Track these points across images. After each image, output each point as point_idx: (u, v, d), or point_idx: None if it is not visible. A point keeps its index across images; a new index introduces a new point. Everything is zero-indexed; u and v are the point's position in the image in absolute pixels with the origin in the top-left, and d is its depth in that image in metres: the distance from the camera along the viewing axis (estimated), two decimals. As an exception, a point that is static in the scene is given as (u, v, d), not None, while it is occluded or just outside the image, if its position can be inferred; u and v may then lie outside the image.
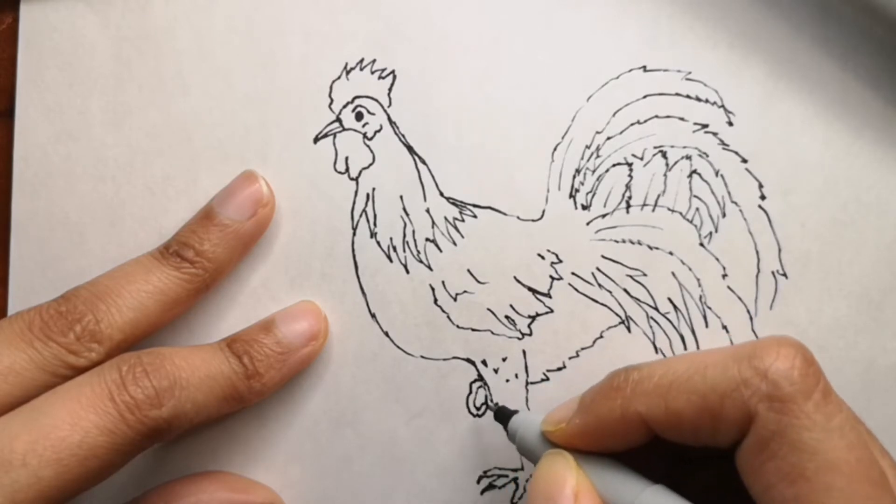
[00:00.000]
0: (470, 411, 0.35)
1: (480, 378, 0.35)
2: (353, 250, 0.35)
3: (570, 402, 0.29)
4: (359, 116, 0.35)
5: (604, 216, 0.34)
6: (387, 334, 0.35)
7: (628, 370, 0.27)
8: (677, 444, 0.27)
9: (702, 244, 0.34)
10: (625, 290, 0.34)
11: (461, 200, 0.35)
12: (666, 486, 0.26)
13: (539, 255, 0.35)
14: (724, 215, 0.34)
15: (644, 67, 0.34)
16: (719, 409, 0.24)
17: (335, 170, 0.35)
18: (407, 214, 0.35)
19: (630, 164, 0.34)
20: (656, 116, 0.34)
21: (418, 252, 0.35)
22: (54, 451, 0.26)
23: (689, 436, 0.26)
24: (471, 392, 0.35)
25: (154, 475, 0.36)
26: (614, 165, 0.34)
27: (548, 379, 0.35)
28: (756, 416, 0.24)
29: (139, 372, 0.29)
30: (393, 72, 0.35)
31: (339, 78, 0.35)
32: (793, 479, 0.23)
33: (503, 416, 0.32)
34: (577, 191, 0.35)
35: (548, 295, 0.34)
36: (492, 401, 0.35)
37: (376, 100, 0.35)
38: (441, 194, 0.35)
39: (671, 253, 0.34)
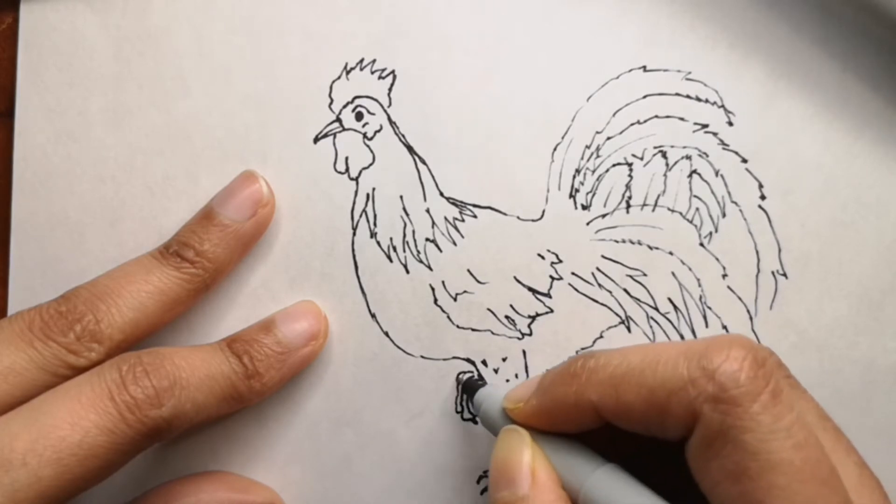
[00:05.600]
0: (469, 411, 0.35)
1: (480, 378, 0.35)
2: (353, 250, 0.35)
3: (531, 380, 0.30)
4: (359, 116, 0.35)
5: (604, 216, 0.34)
6: (387, 334, 0.35)
7: (586, 357, 0.28)
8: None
9: (702, 244, 0.34)
10: (625, 290, 0.34)
11: (461, 200, 0.35)
12: (620, 466, 0.27)
13: (539, 255, 0.35)
14: (724, 215, 0.34)
15: (644, 67, 0.34)
16: (666, 405, 0.25)
17: (335, 170, 0.35)
18: (407, 214, 0.35)
19: (630, 164, 0.34)
20: (656, 116, 0.34)
21: (418, 252, 0.35)
22: (54, 450, 0.26)
23: (638, 426, 0.26)
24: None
25: (154, 475, 0.36)
26: (614, 165, 0.34)
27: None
28: (701, 415, 0.24)
29: (139, 371, 0.29)
30: (393, 72, 0.35)
31: (339, 78, 0.35)
32: (736, 478, 0.23)
33: (470, 388, 0.33)
34: (577, 191, 0.35)
35: (548, 295, 0.34)
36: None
37: (376, 100, 0.35)
38: (441, 194, 0.35)
39: (671, 253, 0.34)
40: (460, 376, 0.35)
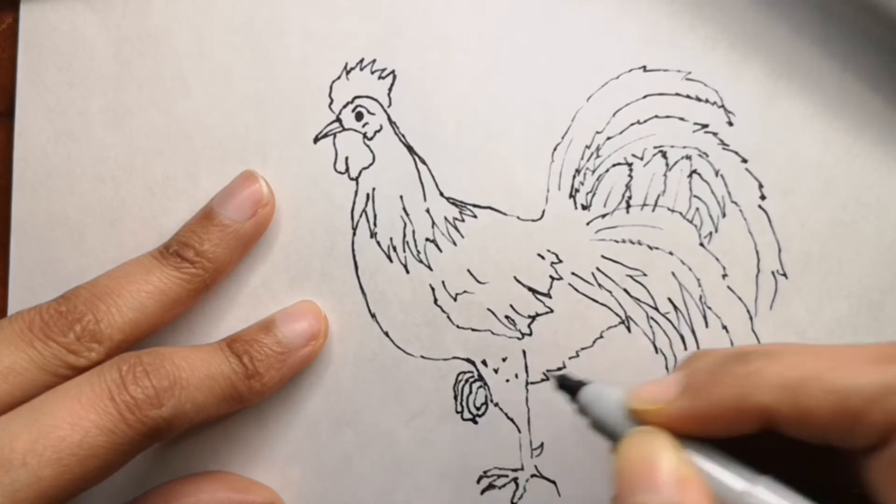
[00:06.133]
0: (470, 410, 0.35)
1: (480, 378, 0.35)
2: (353, 250, 0.35)
3: (663, 380, 0.26)
4: (359, 116, 0.35)
5: (604, 216, 0.34)
6: (387, 334, 0.35)
7: (747, 355, 0.25)
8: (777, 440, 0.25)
9: (702, 244, 0.34)
10: (625, 290, 0.34)
11: (461, 200, 0.35)
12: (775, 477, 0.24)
13: (539, 255, 0.35)
14: (724, 215, 0.34)
15: (644, 67, 0.34)
16: (862, 413, 0.22)
17: (335, 170, 0.35)
18: (407, 214, 0.35)
19: (630, 164, 0.34)
20: (656, 116, 0.34)
21: (418, 252, 0.35)
22: (54, 450, 0.26)
23: (816, 434, 0.23)
24: (471, 392, 0.35)
25: (154, 475, 0.36)
26: (614, 165, 0.34)
27: (548, 379, 0.34)
28: None
29: (139, 371, 0.29)
30: (393, 72, 0.35)
31: (339, 78, 0.35)
32: None
33: (570, 385, 0.29)
34: (577, 191, 0.35)
35: (548, 295, 0.34)
36: (492, 400, 0.35)
37: (376, 100, 0.35)
38: (441, 194, 0.35)
39: (671, 253, 0.34)
40: (468, 375, 0.34)
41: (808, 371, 0.23)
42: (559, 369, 0.34)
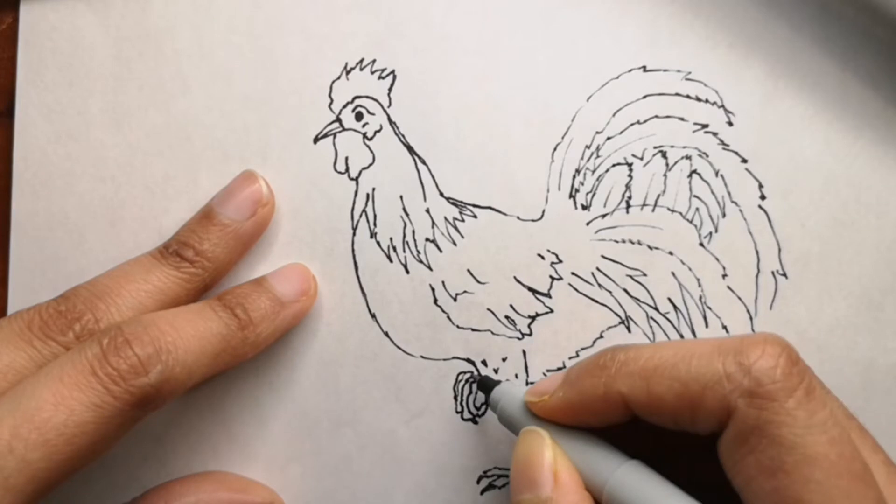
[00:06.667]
0: (470, 410, 0.35)
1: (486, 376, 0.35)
2: (353, 250, 0.35)
3: (556, 375, 0.30)
4: (359, 116, 0.35)
5: (604, 216, 0.34)
6: (387, 334, 0.35)
7: (615, 350, 0.28)
8: (657, 430, 0.27)
9: (702, 244, 0.34)
10: (625, 290, 0.34)
11: (461, 200, 0.35)
12: (643, 462, 0.27)
13: (539, 255, 0.35)
14: (724, 215, 0.34)
15: (644, 67, 0.34)
16: (699, 399, 0.25)
17: (335, 170, 0.35)
18: (407, 214, 0.35)
19: (630, 164, 0.34)
20: (656, 116, 0.34)
21: (418, 252, 0.35)
22: (39, 433, 0.26)
23: (668, 420, 0.26)
24: (471, 392, 0.35)
25: (154, 475, 0.35)
26: (614, 165, 0.34)
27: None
28: (735, 410, 0.24)
29: (121, 342, 0.28)
30: (393, 72, 0.35)
31: (339, 78, 0.35)
32: (772, 472, 0.23)
33: (486, 385, 0.33)
34: (577, 191, 0.35)
35: (548, 295, 0.34)
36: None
37: (376, 100, 0.35)
38: (441, 194, 0.35)
39: (671, 253, 0.34)
40: (468, 375, 0.35)
41: (661, 361, 0.26)
42: (559, 369, 0.34)
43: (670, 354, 0.26)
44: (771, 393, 0.24)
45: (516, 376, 0.35)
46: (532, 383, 0.34)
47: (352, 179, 0.35)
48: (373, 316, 0.35)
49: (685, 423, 0.26)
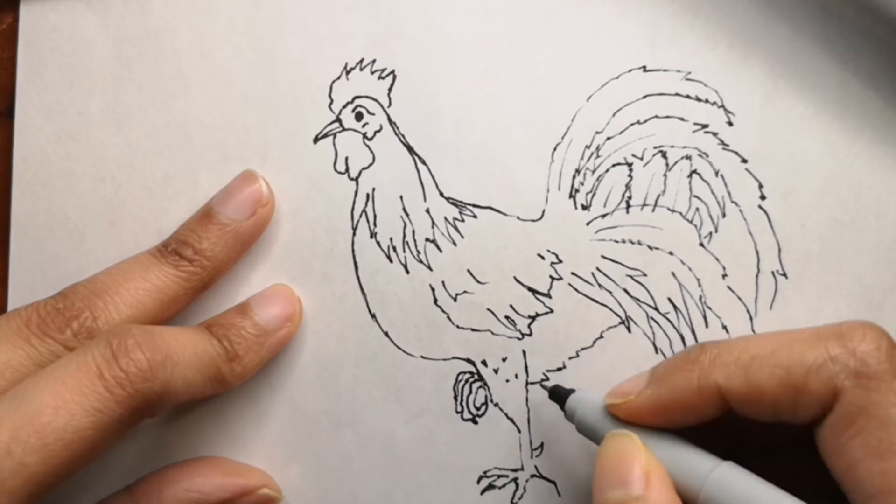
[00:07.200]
0: (470, 410, 0.35)
1: (480, 378, 0.35)
2: (353, 250, 0.35)
3: (637, 377, 0.29)
4: (359, 116, 0.35)
5: (604, 216, 0.34)
6: (387, 334, 0.35)
7: (704, 344, 0.27)
8: (738, 429, 0.27)
9: (702, 244, 0.34)
10: (625, 290, 0.34)
11: (461, 200, 0.35)
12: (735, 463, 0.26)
13: (539, 255, 0.35)
14: (724, 215, 0.34)
15: (644, 67, 0.34)
16: (803, 383, 0.25)
17: (335, 170, 0.35)
18: (407, 214, 0.35)
19: (630, 164, 0.34)
20: (656, 116, 0.34)
21: (418, 252, 0.35)
22: (39, 437, 0.25)
23: (767, 410, 0.26)
24: (471, 392, 0.35)
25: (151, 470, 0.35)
26: (614, 165, 0.34)
27: (548, 379, 0.34)
28: (842, 392, 0.24)
29: (131, 344, 0.28)
30: (393, 72, 0.35)
31: (339, 78, 0.35)
32: (881, 454, 0.23)
33: (559, 395, 0.32)
34: (577, 191, 0.35)
35: (548, 295, 0.34)
36: (492, 401, 0.35)
37: (376, 100, 0.35)
38: (441, 194, 0.35)
39: (671, 253, 0.34)
40: (468, 375, 0.34)
41: (758, 351, 0.26)
42: (559, 369, 0.34)
43: (767, 343, 0.26)
44: (877, 373, 0.24)
45: (516, 376, 0.35)
46: (543, 382, 0.34)
47: (352, 179, 0.35)
48: (373, 316, 0.35)
49: (785, 412, 0.26)
